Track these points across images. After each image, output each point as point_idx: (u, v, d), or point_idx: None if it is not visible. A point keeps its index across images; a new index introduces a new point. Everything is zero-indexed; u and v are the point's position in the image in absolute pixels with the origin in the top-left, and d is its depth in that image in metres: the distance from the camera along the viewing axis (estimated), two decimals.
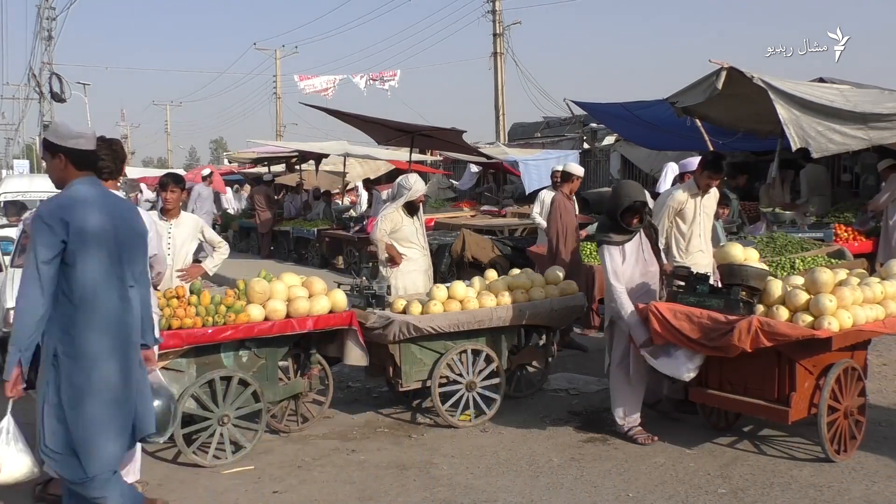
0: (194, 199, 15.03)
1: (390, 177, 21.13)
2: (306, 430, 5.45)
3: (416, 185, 6.46)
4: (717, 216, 6.38)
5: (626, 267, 5.08)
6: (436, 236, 10.96)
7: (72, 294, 3.20)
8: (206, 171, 17.79)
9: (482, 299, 5.61)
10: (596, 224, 6.22)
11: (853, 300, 4.61)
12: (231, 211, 20.87)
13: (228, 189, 22.95)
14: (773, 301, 4.70)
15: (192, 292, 4.91)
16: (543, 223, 9.19)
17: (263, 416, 4.99)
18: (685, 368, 4.72)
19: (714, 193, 6.03)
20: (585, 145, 18.80)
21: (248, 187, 22.28)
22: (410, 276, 6.46)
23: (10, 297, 5.64)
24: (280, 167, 22.17)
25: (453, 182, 22.50)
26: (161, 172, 13.26)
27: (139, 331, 3.47)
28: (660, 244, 5.30)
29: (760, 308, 4.70)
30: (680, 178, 7.89)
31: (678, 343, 4.70)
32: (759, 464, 4.66)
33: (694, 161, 6.98)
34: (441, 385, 5.45)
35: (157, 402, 3.56)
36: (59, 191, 3.39)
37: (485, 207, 17.21)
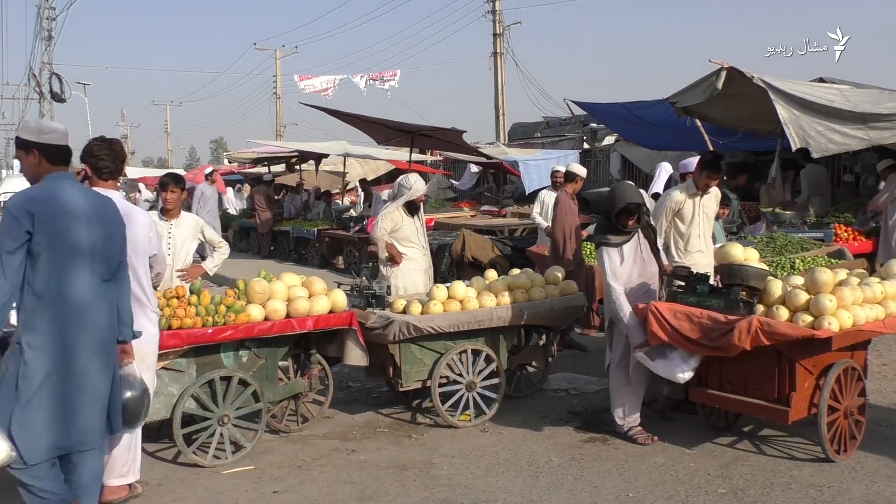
0: (198, 199, 15.03)
1: (390, 177, 21.13)
2: (306, 430, 5.45)
3: (416, 185, 6.47)
4: (717, 216, 6.38)
5: (624, 268, 5.08)
6: (436, 236, 10.96)
7: (35, 286, 3.25)
8: (209, 170, 17.81)
9: (482, 299, 5.61)
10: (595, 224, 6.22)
11: (853, 300, 4.61)
12: (232, 211, 20.88)
13: (230, 189, 22.96)
14: (773, 301, 4.70)
15: (192, 292, 4.91)
16: (543, 223, 9.20)
17: (263, 416, 4.99)
18: (680, 370, 4.71)
19: (715, 194, 6.03)
20: (585, 145, 18.80)
21: (248, 187, 22.29)
22: (410, 275, 6.46)
23: None
24: (280, 167, 22.17)
25: (453, 182, 22.50)
26: (161, 172, 13.29)
27: (114, 326, 3.48)
28: (658, 244, 5.30)
29: (760, 308, 4.70)
30: (681, 180, 7.90)
31: (678, 344, 4.70)
32: (759, 464, 4.66)
33: (693, 161, 6.98)
34: (441, 385, 5.45)
35: (129, 394, 3.58)
36: None
37: (485, 207, 17.21)
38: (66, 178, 3.44)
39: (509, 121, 25.34)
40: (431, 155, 20.66)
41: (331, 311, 5.23)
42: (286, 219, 16.73)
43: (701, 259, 5.83)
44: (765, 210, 9.68)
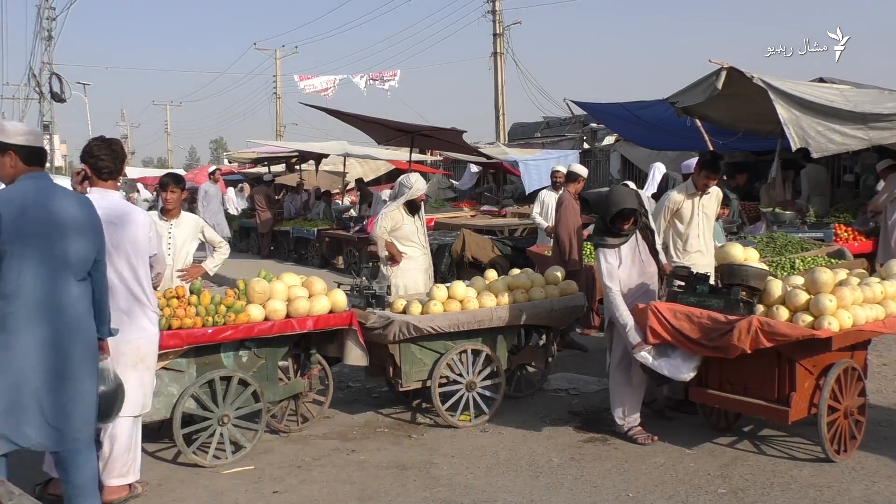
0: (202, 198, 15.03)
1: (390, 177, 21.14)
2: (306, 430, 5.45)
3: (416, 184, 6.47)
4: (717, 216, 6.38)
5: (623, 269, 5.09)
6: (436, 236, 10.96)
7: (3, 286, 3.25)
8: (212, 168, 17.84)
9: (482, 299, 5.61)
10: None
11: (853, 300, 4.61)
12: (233, 211, 20.89)
13: (231, 189, 22.97)
14: (773, 301, 4.70)
15: (192, 292, 4.91)
16: (544, 223, 9.20)
17: (263, 416, 4.99)
18: (683, 370, 4.72)
19: (716, 195, 6.03)
20: (585, 145, 18.80)
21: (248, 187, 22.30)
22: (410, 274, 6.46)
23: None
24: (280, 167, 22.18)
25: (453, 182, 22.51)
26: (161, 172, 13.29)
27: (88, 325, 3.48)
28: (657, 244, 5.31)
29: (760, 308, 4.70)
30: (684, 180, 7.90)
31: (678, 344, 4.71)
32: (759, 464, 4.66)
33: (694, 162, 6.98)
34: (441, 385, 5.45)
35: (101, 388, 3.59)
36: None
37: (485, 207, 17.22)
38: (40, 179, 3.45)
39: (509, 121, 25.38)
40: (431, 155, 20.66)
41: (331, 311, 5.22)
42: (286, 219, 16.74)
43: (700, 259, 5.83)
44: (765, 210, 9.68)
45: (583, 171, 8.01)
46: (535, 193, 11.73)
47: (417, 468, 4.72)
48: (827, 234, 8.81)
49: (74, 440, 3.43)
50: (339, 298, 5.30)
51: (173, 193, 5.55)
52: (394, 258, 6.40)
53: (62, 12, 49.93)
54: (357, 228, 12.92)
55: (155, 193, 18.48)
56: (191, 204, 16.92)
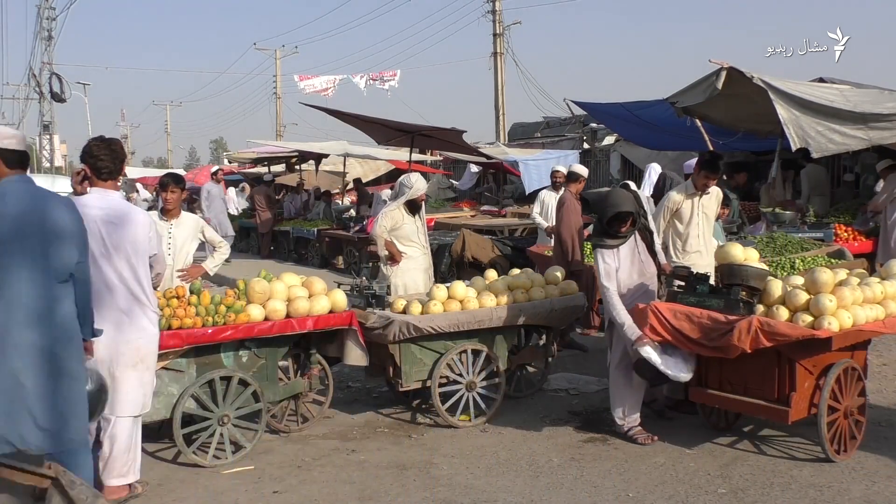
0: (205, 198, 15.05)
1: (390, 177, 21.14)
2: (306, 430, 5.45)
3: (417, 184, 6.47)
4: (717, 216, 6.38)
5: (623, 269, 5.09)
6: (436, 236, 10.96)
7: None
8: (215, 168, 17.86)
9: (482, 299, 5.61)
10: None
11: (853, 300, 4.61)
12: (233, 211, 20.88)
13: (231, 188, 22.98)
14: (773, 301, 4.70)
15: (192, 292, 4.91)
16: (544, 223, 9.20)
17: (263, 416, 4.99)
18: (684, 370, 4.72)
19: (715, 195, 6.02)
20: (585, 145, 18.80)
21: (248, 187, 22.30)
22: (410, 273, 6.46)
23: None
24: (280, 167, 22.18)
25: (453, 182, 22.51)
26: (161, 172, 13.30)
27: (73, 326, 3.47)
28: (657, 244, 5.31)
29: (760, 308, 4.70)
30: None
31: (678, 344, 4.71)
32: (759, 464, 4.66)
33: (695, 162, 6.99)
34: (441, 385, 5.45)
35: (87, 388, 3.58)
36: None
37: (485, 207, 17.22)
38: (22, 182, 3.44)
39: (509, 121, 25.37)
40: (431, 155, 20.66)
41: (331, 311, 5.22)
42: (286, 219, 16.74)
43: (699, 260, 5.83)
44: (765, 210, 9.68)
45: (583, 171, 8.02)
46: (534, 193, 11.73)
47: (417, 468, 4.72)
48: (827, 234, 8.82)
49: (70, 441, 3.42)
50: (339, 298, 5.30)
51: (173, 193, 5.55)
52: (393, 257, 6.40)
53: (62, 12, 50.02)
54: (357, 228, 12.93)
55: (155, 193, 18.49)
56: (190, 204, 16.91)
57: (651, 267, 5.22)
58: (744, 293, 4.67)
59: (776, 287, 4.72)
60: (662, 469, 4.62)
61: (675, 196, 5.86)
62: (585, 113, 14.96)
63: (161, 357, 4.46)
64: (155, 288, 4.45)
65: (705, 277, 4.97)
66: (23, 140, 3.52)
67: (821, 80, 10.12)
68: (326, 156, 18.10)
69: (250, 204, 18.18)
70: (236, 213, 20.11)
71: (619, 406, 5.13)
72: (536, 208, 9.53)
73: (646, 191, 9.82)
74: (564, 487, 4.40)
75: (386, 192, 13.93)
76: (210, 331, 4.72)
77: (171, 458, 4.89)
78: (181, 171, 18.10)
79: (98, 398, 3.69)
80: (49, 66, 35.07)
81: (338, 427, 5.56)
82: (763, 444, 4.97)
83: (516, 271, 6.20)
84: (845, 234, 8.94)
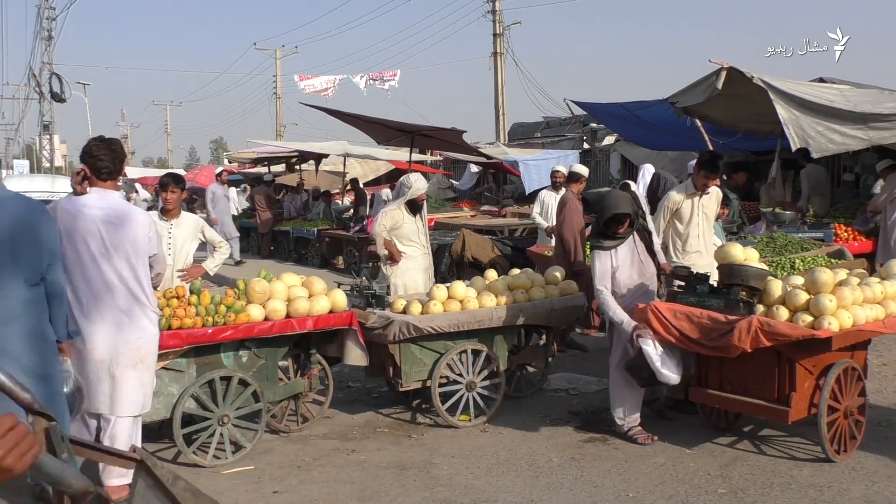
0: (210, 199, 15.07)
1: (390, 177, 21.14)
2: (306, 430, 5.45)
3: (417, 184, 6.47)
4: (717, 216, 6.38)
5: (622, 270, 5.09)
6: (436, 236, 10.96)
7: None
8: (219, 170, 17.88)
9: (482, 299, 5.61)
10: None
11: (853, 300, 4.60)
12: (234, 211, 20.89)
13: (232, 189, 22.98)
14: (773, 301, 4.70)
15: (192, 292, 4.91)
16: (544, 223, 9.20)
17: (263, 416, 4.99)
18: (675, 371, 4.71)
19: (715, 195, 6.02)
20: (585, 145, 18.80)
21: (248, 188, 22.31)
22: (410, 273, 6.46)
23: None
24: (280, 167, 22.18)
25: (453, 182, 22.52)
26: (161, 172, 13.30)
27: (46, 329, 3.46)
28: (656, 245, 5.30)
29: (760, 308, 4.70)
30: None
31: (679, 344, 4.70)
32: (759, 464, 4.66)
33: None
34: (441, 385, 5.45)
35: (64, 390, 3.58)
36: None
37: (485, 207, 17.23)
38: None
39: (509, 121, 25.38)
40: (431, 155, 20.66)
41: (331, 311, 5.23)
42: (286, 219, 16.75)
43: (699, 260, 5.83)
44: (765, 210, 9.68)
45: (584, 171, 8.03)
46: (534, 193, 11.74)
47: (417, 468, 4.72)
48: (827, 234, 8.82)
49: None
50: (339, 298, 5.30)
51: (173, 193, 5.55)
52: (392, 257, 6.40)
53: (62, 12, 49.99)
54: (357, 228, 12.93)
55: (154, 193, 18.49)
56: (190, 204, 16.91)
57: (651, 267, 5.22)
58: (744, 293, 4.67)
59: (776, 287, 4.72)
60: (662, 469, 4.62)
61: (674, 196, 5.87)
62: (585, 113, 14.96)
63: (161, 357, 4.47)
64: (155, 288, 4.44)
65: (705, 277, 4.97)
66: None
67: (821, 80, 10.13)
68: (326, 156, 18.10)
69: (250, 204, 18.19)
70: (237, 213, 20.13)
71: (620, 406, 5.13)
72: (536, 208, 9.53)
73: (640, 191, 9.81)
74: (564, 487, 4.40)
75: (386, 192, 13.94)
76: (210, 331, 4.72)
77: (171, 458, 4.89)
78: (181, 171, 18.11)
79: (73, 399, 3.68)
80: (49, 66, 35.09)
81: (338, 427, 5.56)
82: (763, 444, 4.97)
83: (516, 271, 6.20)
84: (845, 234, 8.94)
